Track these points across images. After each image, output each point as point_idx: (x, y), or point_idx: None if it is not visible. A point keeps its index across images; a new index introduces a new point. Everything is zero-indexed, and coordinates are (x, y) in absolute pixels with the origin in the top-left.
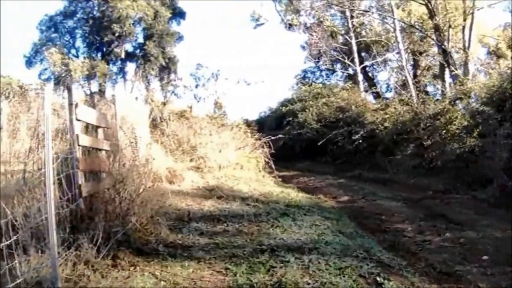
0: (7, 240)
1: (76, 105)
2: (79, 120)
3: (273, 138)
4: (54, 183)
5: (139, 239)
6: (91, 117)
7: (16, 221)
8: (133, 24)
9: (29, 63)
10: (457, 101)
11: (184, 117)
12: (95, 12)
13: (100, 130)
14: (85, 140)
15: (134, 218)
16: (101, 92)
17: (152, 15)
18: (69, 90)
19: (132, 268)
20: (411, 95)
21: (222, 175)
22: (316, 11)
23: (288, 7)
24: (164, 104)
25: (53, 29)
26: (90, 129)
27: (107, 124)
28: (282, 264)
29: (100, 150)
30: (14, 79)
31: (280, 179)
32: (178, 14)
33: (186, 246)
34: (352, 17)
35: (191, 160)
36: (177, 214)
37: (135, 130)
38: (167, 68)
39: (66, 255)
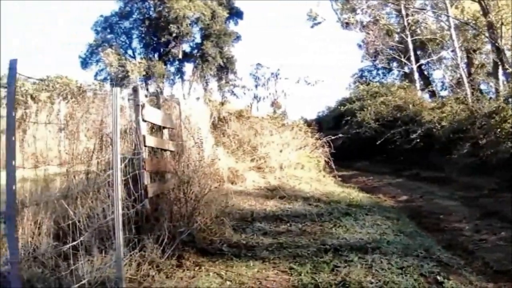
0: (70, 241)
1: (143, 106)
2: (145, 121)
3: (333, 137)
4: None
5: (204, 239)
6: (157, 118)
7: (79, 222)
8: (190, 24)
9: (85, 64)
10: (510, 99)
11: (243, 117)
12: (151, 13)
13: (165, 131)
14: (151, 141)
15: (199, 219)
16: (159, 92)
17: (209, 15)
18: (135, 91)
19: (197, 268)
20: (466, 94)
21: (283, 175)
22: (372, 9)
23: (344, 6)
24: (222, 104)
25: (108, 30)
26: (155, 129)
27: (172, 124)
28: (345, 264)
29: (165, 150)
30: (72, 79)
31: (339, 179)
32: (235, 14)
33: (250, 246)
34: (407, 15)
35: (252, 160)
36: (240, 214)
37: (200, 131)
38: (225, 68)
39: (130, 255)
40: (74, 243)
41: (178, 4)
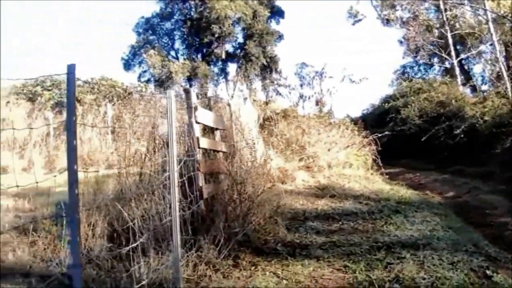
0: (125, 243)
1: (196, 108)
2: (198, 123)
3: (379, 135)
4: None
5: (258, 239)
6: (209, 119)
7: (134, 223)
8: (232, 24)
9: (127, 65)
10: None
11: (290, 117)
12: (192, 13)
13: (217, 132)
14: (204, 143)
15: (253, 219)
16: (204, 94)
17: (251, 15)
18: (188, 93)
19: (253, 268)
20: (506, 88)
21: (332, 174)
22: (412, 5)
23: (384, 2)
24: (266, 103)
25: (150, 31)
26: (207, 131)
27: (224, 126)
28: (398, 260)
29: (217, 152)
30: (118, 81)
31: (387, 176)
32: (276, 12)
33: (304, 245)
34: (445, 10)
35: (300, 160)
36: (292, 213)
37: (251, 131)
38: (268, 67)
39: (187, 256)
40: (134, 245)
41: (219, 4)
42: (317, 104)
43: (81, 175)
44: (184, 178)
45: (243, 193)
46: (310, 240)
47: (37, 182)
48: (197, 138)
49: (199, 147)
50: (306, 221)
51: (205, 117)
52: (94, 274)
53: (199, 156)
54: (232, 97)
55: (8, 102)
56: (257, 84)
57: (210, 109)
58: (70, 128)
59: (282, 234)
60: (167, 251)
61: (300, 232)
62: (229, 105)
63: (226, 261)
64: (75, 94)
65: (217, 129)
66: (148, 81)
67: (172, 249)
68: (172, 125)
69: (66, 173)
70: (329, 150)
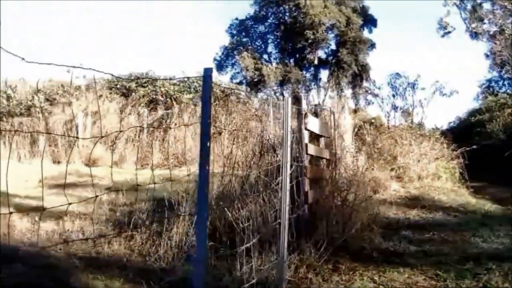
0: (229, 242)
1: (305, 115)
2: (307, 130)
3: (467, 148)
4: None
5: (356, 245)
6: (316, 127)
7: (238, 223)
8: (325, 30)
9: (220, 66)
10: None
11: (382, 126)
12: (286, 18)
13: (321, 139)
14: (311, 149)
15: (354, 225)
16: (297, 99)
17: (344, 22)
18: (299, 100)
19: (351, 273)
20: None
21: (422, 185)
22: (499, 19)
23: (472, 15)
24: (355, 111)
25: (243, 34)
26: (312, 137)
27: (328, 133)
28: (485, 271)
29: (321, 158)
30: (216, 82)
31: (472, 190)
32: (369, 21)
33: (398, 253)
34: None
35: (391, 170)
36: (386, 222)
37: (348, 140)
38: (359, 75)
39: (290, 258)
40: (247, 245)
41: (313, 10)
42: (409, 115)
43: (175, 173)
44: (293, 183)
45: (346, 200)
46: (403, 248)
47: (136, 180)
48: (306, 145)
49: (307, 153)
50: (399, 230)
51: (313, 124)
52: (193, 269)
53: (306, 162)
54: (323, 103)
55: (101, 95)
56: (347, 91)
57: (317, 116)
58: (205, 130)
59: (377, 242)
60: (270, 252)
61: (394, 241)
62: (333, 113)
63: (326, 265)
64: (211, 97)
65: (322, 136)
66: (240, 83)
67: (278, 251)
68: (287, 130)
69: (157, 170)
70: (419, 161)
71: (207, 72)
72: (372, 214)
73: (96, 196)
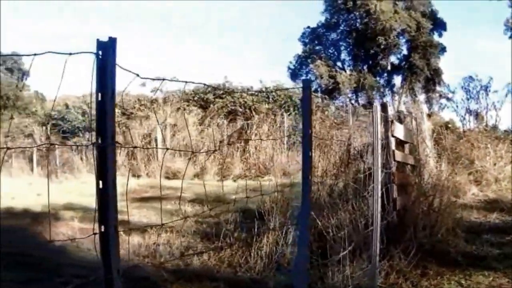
0: (319, 250)
1: (392, 122)
2: (394, 136)
3: None
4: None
5: (442, 250)
6: (401, 133)
7: (328, 233)
8: (396, 36)
9: (294, 75)
10: None
11: (457, 130)
12: (357, 24)
13: (406, 146)
14: (398, 156)
15: (440, 230)
16: (370, 104)
17: (415, 27)
18: (385, 107)
19: (439, 278)
20: None
21: (499, 188)
22: None
23: None
24: (429, 116)
25: (316, 42)
26: (397, 144)
27: (412, 139)
28: None
29: (407, 164)
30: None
31: None
32: (439, 25)
33: (482, 256)
34: None
35: (469, 174)
36: (467, 226)
37: (428, 144)
38: (432, 80)
39: (381, 265)
40: (339, 255)
41: (384, 16)
42: (483, 118)
43: (258, 183)
44: (383, 190)
45: (431, 206)
46: (486, 252)
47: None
48: (393, 151)
49: (394, 160)
50: (480, 234)
51: (399, 131)
52: (285, 280)
53: (394, 168)
54: (398, 109)
55: (179, 108)
56: (420, 96)
57: (401, 123)
58: (306, 141)
59: (462, 246)
60: (361, 259)
61: (476, 244)
62: (415, 119)
63: (415, 270)
64: (310, 108)
65: (406, 142)
66: (315, 91)
67: (370, 258)
68: (377, 137)
69: (239, 180)
70: (495, 164)
71: (306, 84)
72: (456, 218)
73: (186, 218)
